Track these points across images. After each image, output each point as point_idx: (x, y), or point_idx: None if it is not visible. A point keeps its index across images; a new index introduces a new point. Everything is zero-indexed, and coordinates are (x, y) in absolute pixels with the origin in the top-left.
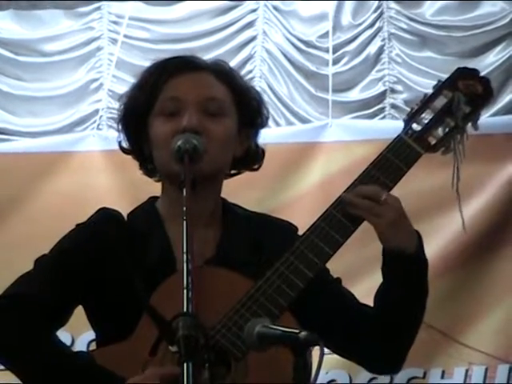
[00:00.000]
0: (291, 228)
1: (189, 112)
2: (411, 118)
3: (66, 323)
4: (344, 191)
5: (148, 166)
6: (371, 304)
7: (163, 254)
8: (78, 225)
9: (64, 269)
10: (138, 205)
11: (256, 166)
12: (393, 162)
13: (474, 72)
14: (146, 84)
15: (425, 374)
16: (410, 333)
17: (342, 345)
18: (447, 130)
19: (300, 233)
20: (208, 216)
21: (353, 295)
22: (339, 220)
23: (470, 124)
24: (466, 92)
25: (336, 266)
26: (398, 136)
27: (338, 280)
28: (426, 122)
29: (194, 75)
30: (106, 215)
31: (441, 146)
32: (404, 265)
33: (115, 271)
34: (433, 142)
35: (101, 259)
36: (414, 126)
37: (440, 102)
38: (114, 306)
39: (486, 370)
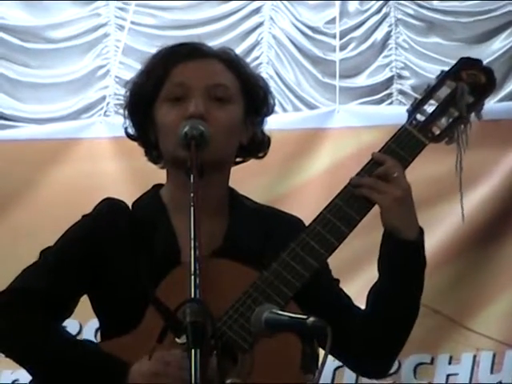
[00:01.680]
0: (299, 223)
1: (195, 98)
2: (415, 108)
3: (71, 313)
4: (347, 184)
5: (153, 153)
6: None
7: (168, 245)
8: (83, 216)
9: (69, 260)
10: (143, 193)
11: (261, 154)
12: (397, 152)
13: (477, 62)
14: (153, 70)
15: (432, 359)
16: (401, 332)
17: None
18: (451, 120)
19: (307, 220)
20: (215, 205)
21: (349, 297)
22: (344, 210)
23: (473, 114)
24: (469, 82)
25: (343, 253)
26: (402, 126)
27: (337, 281)
28: (430, 112)
29: (201, 62)
30: (110, 205)
31: (445, 136)
32: (400, 248)
33: (120, 262)
34: (437, 132)
35: (106, 250)
36: (418, 116)
37: (443, 92)
38: (119, 297)
39: (494, 355)
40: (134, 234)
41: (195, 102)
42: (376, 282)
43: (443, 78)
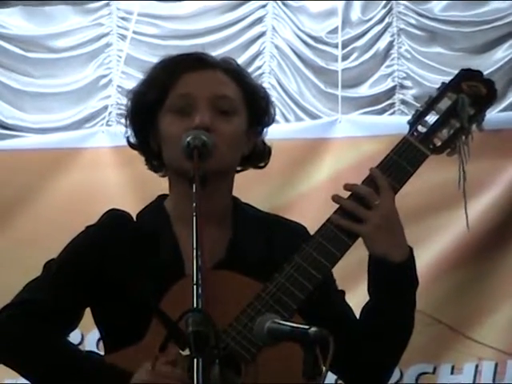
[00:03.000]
0: (303, 230)
1: (201, 110)
2: (416, 120)
3: (77, 326)
4: (348, 197)
5: (154, 162)
6: None
7: (171, 256)
8: (87, 227)
9: (73, 273)
10: (148, 204)
11: (262, 164)
12: (400, 163)
13: (477, 74)
14: (156, 80)
15: (435, 369)
16: (394, 350)
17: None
18: (452, 131)
19: (309, 230)
20: (218, 215)
21: (351, 310)
22: (346, 224)
23: (474, 125)
24: (470, 94)
25: (348, 259)
26: (403, 138)
27: (342, 293)
28: (431, 123)
29: (206, 72)
30: (114, 217)
31: (446, 147)
32: (388, 272)
33: (124, 273)
34: (438, 143)
35: (110, 262)
36: (419, 127)
37: (444, 103)
38: (124, 309)
39: (496, 365)
40: (138, 246)
41: (201, 113)
42: (367, 302)
43: (444, 89)
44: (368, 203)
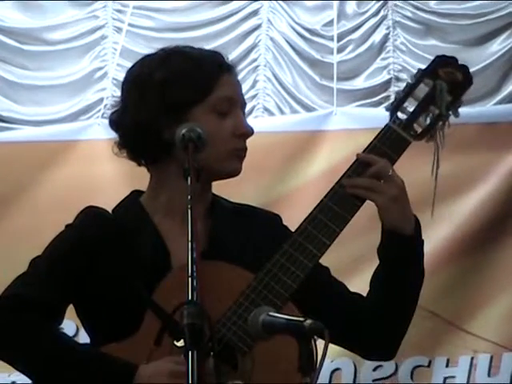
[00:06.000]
0: (276, 218)
1: (239, 115)
2: (396, 107)
3: (60, 323)
4: (336, 182)
5: (152, 152)
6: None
7: (156, 249)
8: (67, 225)
9: (58, 271)
10: (122, 199)
11: None
12: (384, 151)
13: (452, 60)
14: (194, 78)
15: (430, 362)
16: (405, 318)
17: (335, 332)
18: (431, 118)
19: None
20: (203, 208)
21: (343, 284)
22: (335, 210)
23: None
24: (447, 80)
25: (341, 253)
26: (386, 125)
27: (327, 269)
28: (412, 110)
29: (234, 75)
30: (93, 214)
31: (426, 133)
32: (401, 245)
33: (110, 269)
34: (419, 130)
35: (96, 258)
36: (399, 114)
37: (422, 90)
38: (111, 304)
39: (491, 358)
40: (121, 240)
41: (241, 118)
42: (379, 271)
43: (420, 76)
44: (381, 176)
